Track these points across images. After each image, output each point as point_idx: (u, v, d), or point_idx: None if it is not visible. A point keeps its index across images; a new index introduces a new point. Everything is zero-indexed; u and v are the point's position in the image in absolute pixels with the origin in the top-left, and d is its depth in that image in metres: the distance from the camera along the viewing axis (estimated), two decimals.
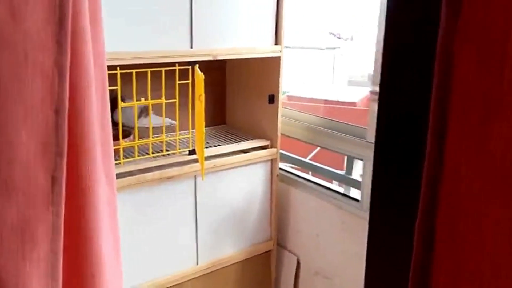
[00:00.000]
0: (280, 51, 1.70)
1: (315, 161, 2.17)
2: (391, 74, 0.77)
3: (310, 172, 1.96)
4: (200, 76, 1.45)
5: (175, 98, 1.56)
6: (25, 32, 0.61)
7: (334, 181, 1.96)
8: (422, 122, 0.65)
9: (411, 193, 0.68)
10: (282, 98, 1.73)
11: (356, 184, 1.75)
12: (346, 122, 1.73)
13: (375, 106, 1.57)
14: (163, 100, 1.56)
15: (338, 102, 6.25)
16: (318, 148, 2.89)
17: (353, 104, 6.21)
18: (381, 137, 0.82)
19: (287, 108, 1.92)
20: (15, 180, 0.63)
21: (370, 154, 1.56)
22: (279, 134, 1.76)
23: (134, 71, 1.44)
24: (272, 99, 1.76)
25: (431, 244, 0.62)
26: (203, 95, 1.44)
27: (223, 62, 1.97)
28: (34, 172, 0.64)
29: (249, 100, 1.89)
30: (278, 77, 1.72)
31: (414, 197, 0.66)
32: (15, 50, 0.61)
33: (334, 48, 7.82)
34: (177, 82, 1.56)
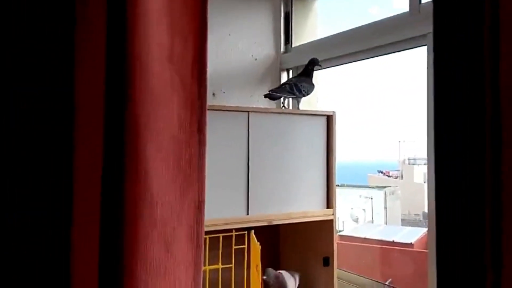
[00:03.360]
0: (332, 214, 1.75)
1: None
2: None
3: None
4: (257, 245, 1.50)
5: (231, 263, 1.61)
6: (174, 262, 0.79)
7: None
8: None
9: None
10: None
11: None
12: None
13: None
14: (219, 266, 1.61)
15: (393, 243, 6.00)
16: None
17: (410, 245, 5.93)
18: None
19: (343, 270, 1.89)
20: None
21: None
22: None
23: None
24: (327, 261, 1.76)
25: None
26: (260, 265, 1.48)
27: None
28: None
29: (304, 261, 1.89)
30: (332, 239, 1.75)
31: None
32: (168, 277, 0.78)
33: (384, 187, 7.81)
34: (234, 247, 1.61)
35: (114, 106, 0.79)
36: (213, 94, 1.81)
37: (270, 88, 1.78)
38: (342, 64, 1.89)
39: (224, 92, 1.84)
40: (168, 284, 0.79)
